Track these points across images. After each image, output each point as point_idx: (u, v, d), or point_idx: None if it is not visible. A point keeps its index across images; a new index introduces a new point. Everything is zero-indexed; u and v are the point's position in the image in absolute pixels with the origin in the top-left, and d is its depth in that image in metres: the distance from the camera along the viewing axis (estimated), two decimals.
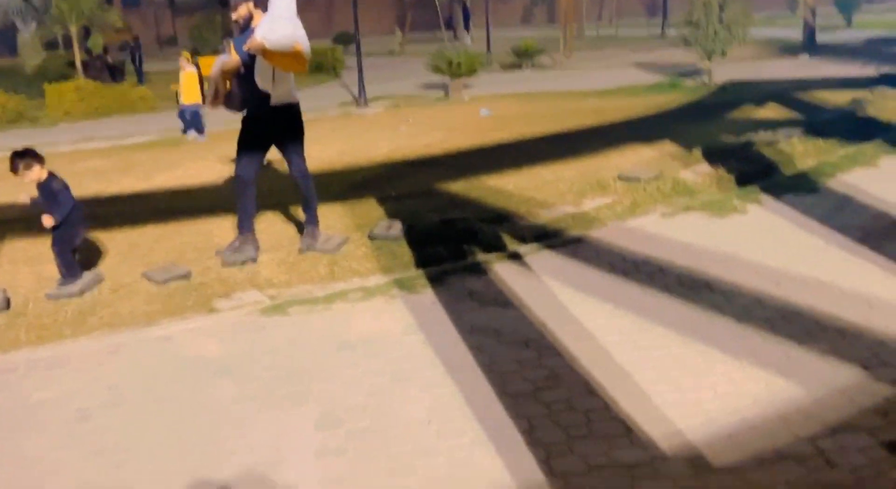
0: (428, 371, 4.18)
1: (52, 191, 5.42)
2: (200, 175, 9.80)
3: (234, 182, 6.13)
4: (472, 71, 16.50)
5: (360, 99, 15.65)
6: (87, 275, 5.69)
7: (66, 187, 5.51)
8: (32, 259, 6.53)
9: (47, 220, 5.35)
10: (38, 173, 5.39)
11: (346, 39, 30.53)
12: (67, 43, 18.14)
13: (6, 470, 3.52)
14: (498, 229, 6.46)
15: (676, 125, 11.06)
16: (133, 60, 23.20)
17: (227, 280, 5.71)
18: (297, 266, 5.91)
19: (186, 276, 5.72)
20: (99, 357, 4.63)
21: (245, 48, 5.60)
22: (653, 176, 7.79)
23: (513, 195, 7.62)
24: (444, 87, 16.94)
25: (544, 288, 5.24)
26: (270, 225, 7.14)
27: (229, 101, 5.94)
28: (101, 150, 12.15)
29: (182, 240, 6.87)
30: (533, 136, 11.10)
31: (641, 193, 7.28)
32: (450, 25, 36.92)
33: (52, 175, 5.48)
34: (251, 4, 5.78)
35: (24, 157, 5.36)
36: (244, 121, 5.99)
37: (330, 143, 11.56)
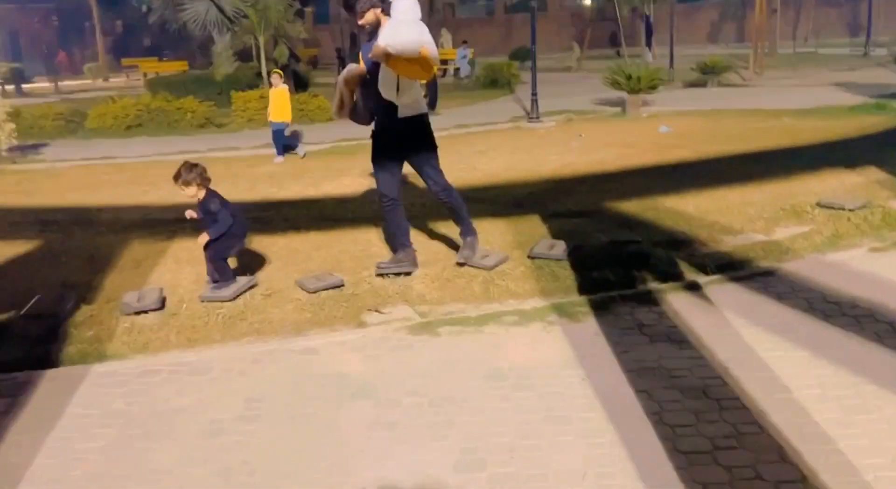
0: (586, 413, 3.68)
1: (209, 210, 5.42)
2: (366, 183, 9.73)
3: (378, 200, 5.85)
4: (652, 86, 15.70)
5: (533, 113, 15.27)
6: (242, 280, 5.63)
7: (224, 206, 5.46)
8: (196, 259, 6.56)
9: (201, 239, 5.38)
10: (193, 192, 5.39)
11: (523, 55, 30.38)
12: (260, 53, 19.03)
13: (131, 482, 3.36)
14: (674, 255, 5.83)
15: (884, 150, 9.85)
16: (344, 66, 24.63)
17: (379, 292, 5.48)
18: (451, 283, 5.58)
19: (339, 286, 5.54)
20: (242, 365, 4.48)
21: (369, 56, 5.29)
22: (859, 205, 6.84)
23: (693, 218, 6.94)
24: (622, 103, 16.25)
25: (727, 326, 4.58)
26: (427, 238, 6.90)
27: (355, 114, 5.69)
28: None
29: (340, 248, 6.76)
30: (717, 156, 10.25)
31: (845, 224, 6.39)
32: (632, 42, 35.92)
33: (210, 194, 5.46)
34: (379, 10, 5.41)
35: (189, 171, 5.36)
36: (373, 135, 5.71)
37: (497, 157, 11.26)
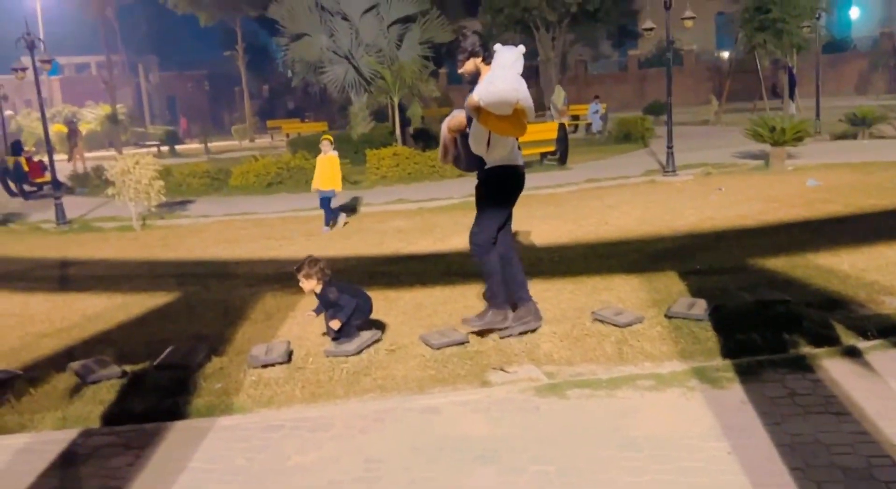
0: None
1: (328, 301, 5.47)
2: None
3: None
4: (797, 138, 14.91)
5: (668, 166, 14.82)
6: (366, 334, 5.57)
7: (341, 291, 5.49)
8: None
9: (334, 324, 5.37)
10: (313, 285, 5.47)
11: (657, 110, 29.85)
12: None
13: None
14: (829, 317, 5.33)
15: None
16: None
17: (504, 350, 5.27)
18: (580, 342, 5.30)
19: (463, 343, 5.37)
20: (363, 423, 4.36)
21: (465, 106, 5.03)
22: None
23: (849, 277, 6.37)
24: (764, 156, 15.51)
25: (894, 397, 4.07)
26: (556, 294, 6.64)
27: (459, 161, 5.45)
28: (406, 212, 12.63)
29: (466, 303, 6.64)
30: (873, 210, 9.51)
31: None
32: (774, 93, 34.64)
33: (326, 285, 5.50)
34: (479, 60, 5.17)
35: (312, 266, 5.45)
36: (476, 185, 5.48)
37: (629, 211, 10.91)
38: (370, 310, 5.69)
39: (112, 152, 31.31)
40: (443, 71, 46.75)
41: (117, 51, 54.97)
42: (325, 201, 11.49)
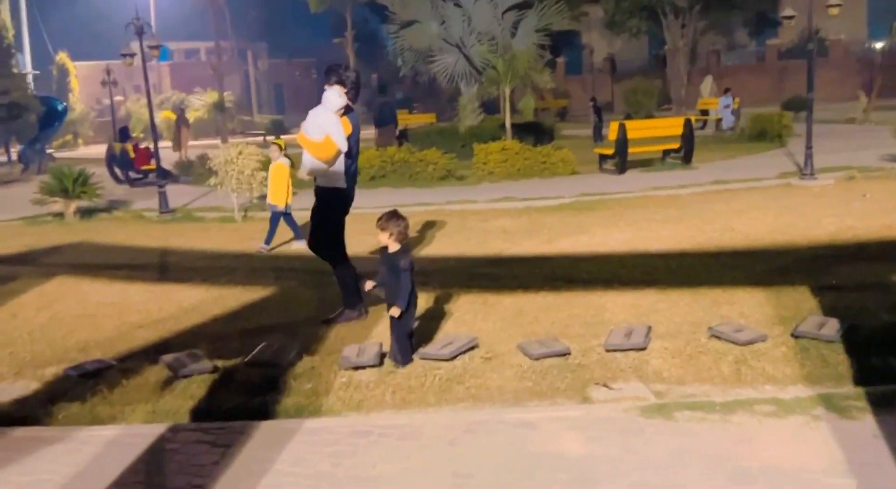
0: None
1: (395, 266, 5.42)
2: (606, 242, 9.53)
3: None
4: None
5: (806, 169, 14.20)
6: (462, 339, 5.60)
7: (411, 268, 5.44)
8: (421, 312, 6.69)
9: (394, 311, 5.30)
10: (386, 239, 5.47)
11: (797, 105, 28.66)
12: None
13: None
14: None
15: None
16: (598, 116, 25.71)
17: (609, 364, 5.20)
18: (694, 359, 5.17)
19: (565, 355, 5.33)
20: (454, 434, 4.38)
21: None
22: None
23: None
24: None
25: None
26: (672, 306, 6.51)
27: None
28: (513, 211, 12.59)
29: (571, 312, 6.59)
30: None
31: None
32: None
33: (403, 249, 5.50)
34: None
35: (393, 220, 5.48)
36: None
37: (759, 217, 10.54)
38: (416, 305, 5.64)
39: (218, 141, 32.55)
40: (560, 60, 46.50)
41: (227, 37, 57.17)
42: (273, 217, 10.58)
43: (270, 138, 11.59)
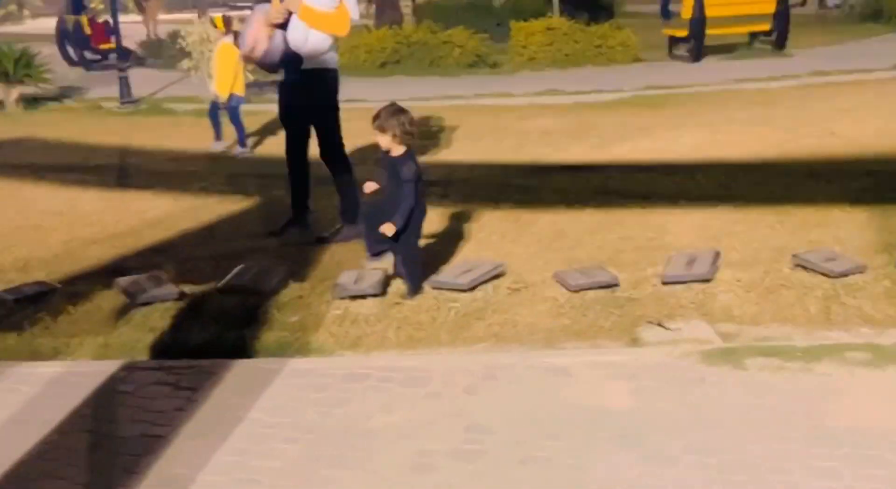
0: None
1: (397, 172, 5.36)
2: (672, 148, 9.46)
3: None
4: None
5: None
6: (485, 265, 5.60)
7: (416, 177, 5.38)
8: (436, 234, 6.69)
9: (387, 229, 5.25)
10: (388, 142, 5.40)
11: None
12: None
13: None
14: None
15: None
16: None
17: (666, 299, 5.20)
18: (774, 295, 5.17)
19: (612, 287, 5.34)
20: (470, 380, 4.41)
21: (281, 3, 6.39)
22: None
23: None
24: None
25: None
26: (751, 228, 6.51)
27: (265, 58, 6.66)
28: (557, 107, 12.49)
29: (623, 233, 6.60)
30: None
31: None
32: None
33: (408, 155, 5.44)
34: None
35: (392, 116, 5.38)
36: (278, 87, 7.00)
37: (866, 118, 10.43)
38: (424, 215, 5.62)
39: (194, 14, 32.21)
40: None
41: None
42: (232, 113, 10.57)
43: (215, 16, 11.65)
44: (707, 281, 5.33)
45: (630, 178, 8.38)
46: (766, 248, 6.01)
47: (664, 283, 5.36)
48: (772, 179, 7.98)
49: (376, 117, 5.44)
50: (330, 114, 6.87)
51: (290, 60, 6.65)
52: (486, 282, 5.48)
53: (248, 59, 6.99)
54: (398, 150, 5.42)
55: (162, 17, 29.35)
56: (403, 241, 5.37)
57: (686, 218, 6.83)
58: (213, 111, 10.74)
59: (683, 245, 6.13)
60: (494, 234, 6.74)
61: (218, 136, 10.73)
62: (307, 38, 6.52)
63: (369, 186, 5.56)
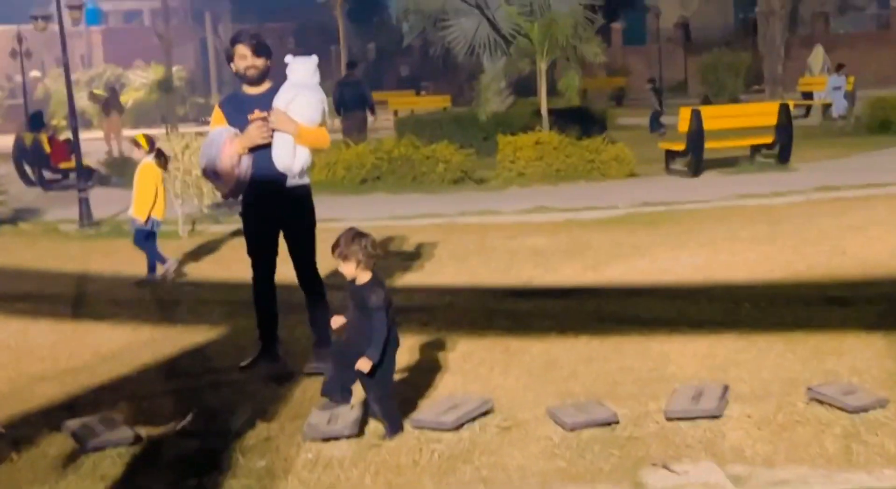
0: None
1: (365, 302, 5.29)
2: (672, 269, 9.44)
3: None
4: None
5: None
6: (472, 401, 5.52)
7: (387, 305, 5.32)
8: (423, 366, 6.60)
9: (363, 364, 5.16)
10: (352, 270, 5.35)
11: None
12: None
13: None
14: None
15: None
16: (658, 101, 25.89)
17: (671, 437, 5.11)
18: (788, 432, 5.08)
19: (610, 424, 5.25)
20: None
21: (270, 126, 6.54)
22: None
23: None
24: None
25: None
26: (759, 356, 6.45)
27: (240, 182, 6.71)
28: (548, 225, 12.49)
29: (622, 363, 6.54)
30: None
31: None
32: None
33: (375, 281, 5.38)
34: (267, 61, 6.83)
35: (352, 242, 5.32)
36: (246, 210, 6.93)
37: (881, 236, 10.44)
38: (397, 347, 5.54)
39: (163, 130, 32.67)
40: (616, 26, 46.57)
41: None
42: (139, 235, 10.45)
43: (137, 135, 11.03)
44: (715, 417, 5.25)
45: (627, 301, 8.35)
46: (777, 380, 5.95)
47: (668, 420, 5.27)
48: (780, 303, 7.96)
49: (336, 246, 5.38)
50: (311, 233, 6.90)
51: (268, 179, 6.64)
52: (472, 420, 5.37)
53: (223, 179, 6.80)
54: (364, 276, 5.37)
55: (129, 132, 29.79)
56: (378, 376, 5.27)
57: (689, 346, 6.78)
58: (140, 238, 10.50)
59: (688, 376, 6.08)
60: (481, 364, 6.66)
61: (161, 259, 10.47)
62: (295, 156, 6.59)
63: (336, 321, 5.49)
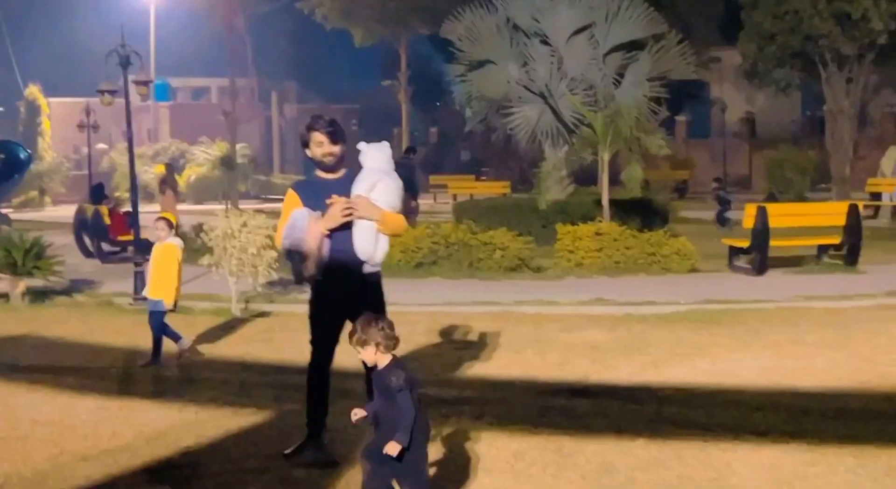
0: None
1: (388, 387, 5.22)
2: (735, 372, 9.19)
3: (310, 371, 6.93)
4: None
5: None
6: None
7: (411, 386, 5.24)
8: (480, 461, 6.40)
9: (391, 448, 5.07)
10: (371, 355, 5.33)
11: None
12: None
13: None
14: None
15: None
16: (721, 204, 25.48)
17: None
18: None
19: None
20: None
21: (357, 215, 6.48)
22: None
23: None
24: None
25: None
26: (828, 472, 6.20)
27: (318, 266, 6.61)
28: (606, 318, 12.29)
29: (681, 471, 6.32)
30: None
31: None
32: None
33: (395, 364, 5.32)
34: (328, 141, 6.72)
35: (369, 326, 5.33)
36: (318, 296, 6.83)
37: None
38: (429, 437, 5.50)
39: (224, 206, 33.01)
40: (681, 119, 46.58)
41: (246, 73, 58.86)
42: (154, 317, 10.26)
43: (163, 214, 11.68)
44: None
45: (688, 404, 8.11)
46: None
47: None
48: (850, 415, 7.68)
49: (353, 332, 5.41)
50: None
51: (345, 266, 6.60)
52: None
53: (308, 260, 6.65)
54: (384, 360, 5.33)
55: (192, 207, 30.10)
56: (409, 464, 5.13)
57: (752, 456, 6.52)
58: (160, 320, 10.31)
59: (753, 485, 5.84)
60: (533, 465, 6.47)
61: (176, 338, 10.41)
62: (377, 243, 6.57)
63: (357, 414, 5.44)
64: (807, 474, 6.11)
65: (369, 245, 6.52)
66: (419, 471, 5.24)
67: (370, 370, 5.50)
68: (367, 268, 6.64)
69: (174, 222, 10.96)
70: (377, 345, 5.29)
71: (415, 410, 5.16)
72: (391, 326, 5.40)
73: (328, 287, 6.70)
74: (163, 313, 10.29)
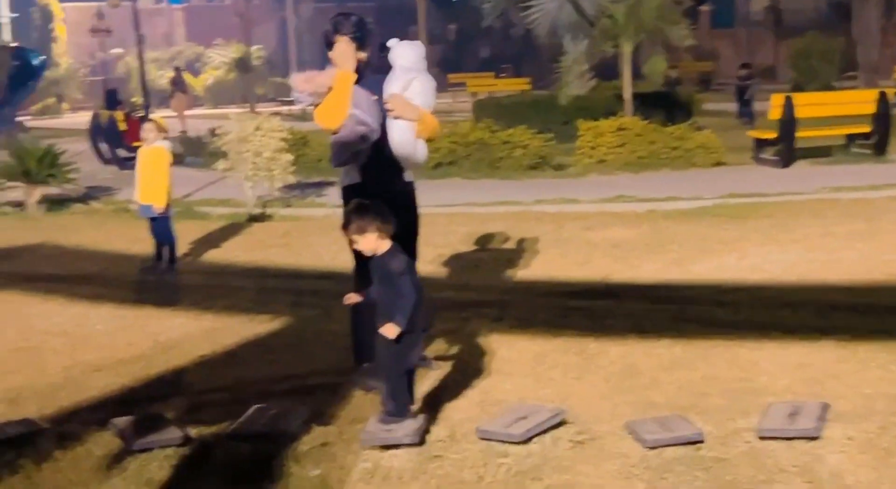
0: None
1: (389, 272, 5.18)
2: (762, 267, 9.06)
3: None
4: None
5: None
6: (543, 411, 5.22)
7: (410, 271, 5.21)
8: (500, 365, 6.29)
9: (390, 329, 5.02)
10: (373, 242, 5.23)
11: None
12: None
13: None
14: None
15: None
16: (741, 96, 24.93)
17: (762, 461, 4.71)
18: (894, 457, 4.64)
19: (695, 442, 4.87)
20: None
21: (389, 114, 5.98)
22: None
23: None
24: None
25: None
26: (859, 368, 6.04)
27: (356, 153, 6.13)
28: (629, 215, 12.18)
29: (707, 371, 6.17)
30: None
31: None
32: None
33: (394, 248, 5.26)
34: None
35: (363, 214, 5.24)
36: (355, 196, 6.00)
37: None
38: (427, 329, 5.51)
39: (238, 110, 32.79)
40: (704, 9, 45.76)
41: None
42: (154, 224, 10.12)
43: (151, 119, 11.45)
44: (813, 438, 4.84)
45: (714, 301, 7.98)
46: (881, 396, 5.51)
47: (761, 438, 4.89)
48: (880, 309, 7.54)
49: (347, 223, 5.31)
50: (417, 228, 6.45)
51: (386, 168, 6.16)
52: (544, 431, 5.05)
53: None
54: (384, 245, 5.25)
55: (210, 111, 29.88)
56: (400, 347, 5.11)
57: (781, 354, 6.38)
58: (164, 226, 10.18)
59: (780, 388, 5.70)
60: (555, 367, 6.35)
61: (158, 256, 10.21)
62: (416, 146, 6.14)
63: (350, 298, 5.43)
64: (838, 371, 5.96)
65: (409, 145, 6.10)
66: (405, 357, 5.20)
67: (361, 264, 5.42)
68: (405, 177, 6.28)
69: (161, 125, 10.83)
70: (377, 229, 5.21)
71: (415, 295, 5.13)
72: (386, 211, 5.30)
73: (362, 195, 6.16)
74: (167, 219, 10.13)
